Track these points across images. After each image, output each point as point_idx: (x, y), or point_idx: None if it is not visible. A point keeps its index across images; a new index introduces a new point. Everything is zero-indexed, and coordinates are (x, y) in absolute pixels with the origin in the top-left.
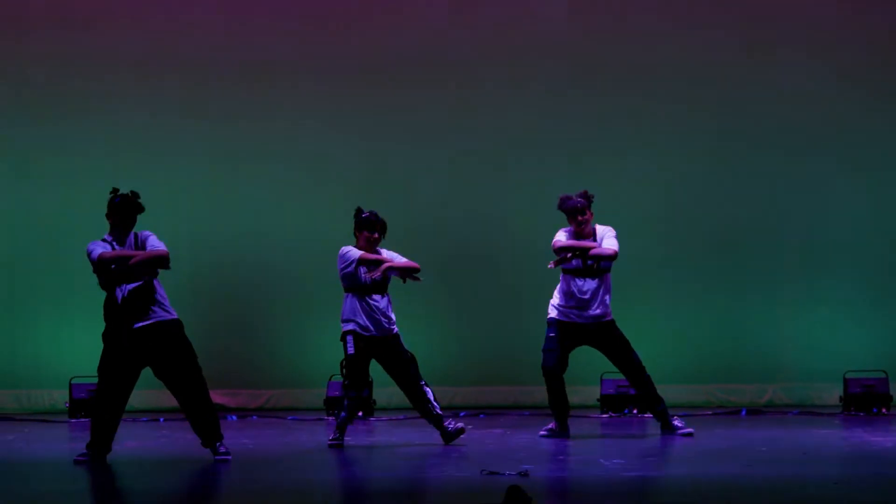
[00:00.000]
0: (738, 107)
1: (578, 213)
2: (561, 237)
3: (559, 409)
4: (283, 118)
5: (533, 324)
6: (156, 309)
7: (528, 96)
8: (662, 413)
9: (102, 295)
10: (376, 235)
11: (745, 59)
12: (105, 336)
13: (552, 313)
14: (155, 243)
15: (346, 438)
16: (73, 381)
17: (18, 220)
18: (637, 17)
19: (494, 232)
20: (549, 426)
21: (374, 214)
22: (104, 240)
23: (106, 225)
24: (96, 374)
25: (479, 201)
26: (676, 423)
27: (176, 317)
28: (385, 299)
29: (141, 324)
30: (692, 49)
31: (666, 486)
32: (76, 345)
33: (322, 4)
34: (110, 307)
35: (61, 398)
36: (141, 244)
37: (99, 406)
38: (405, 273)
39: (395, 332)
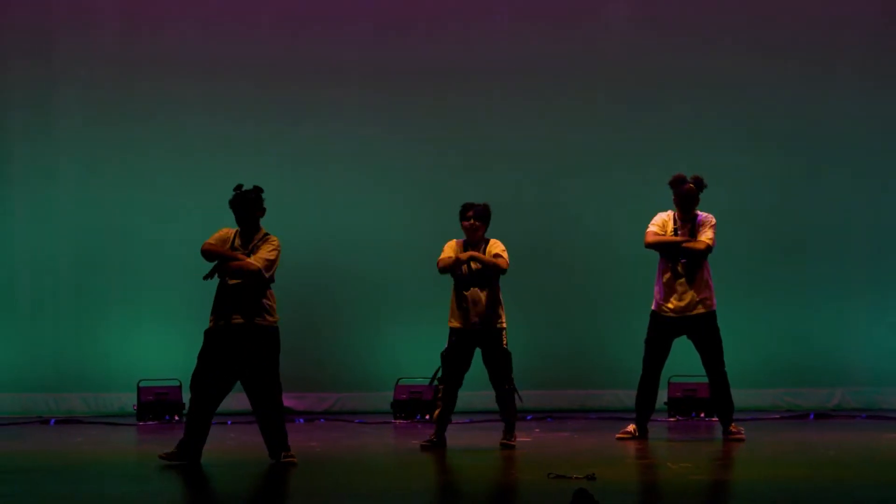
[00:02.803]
0: (806, 114)
1: (688, 201)
2: (656, 224)
3: (638, 406)
4: (349, 121)
5: (603, 326)
6: (253, 312)
7: (594, 102)
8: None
9: (170, 298)
10: (471, 221)
11: (811, 68)
12: (206, 332)
13: (653, 304)
14: (261, 254)
15: (411, 441)
16: (140, 384)
17: (87, 220)
18: (702, 26)
19: (565, 233)
20: (627, 428)
21: (467, 204)
22: (229, 229)
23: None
24: (169, 377)
25: (550, 203)
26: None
27: (272, 324)
28: (485, 293)
29: (235, 322)
30: (761, 58)
31: (734, 489)
32: (144, 347)
33: (387, 10)
34: (216, 298)
35: (129, 401)
36: (252, 250)
37: (192, 404)
38: (487, 267)
39: (496, 327)
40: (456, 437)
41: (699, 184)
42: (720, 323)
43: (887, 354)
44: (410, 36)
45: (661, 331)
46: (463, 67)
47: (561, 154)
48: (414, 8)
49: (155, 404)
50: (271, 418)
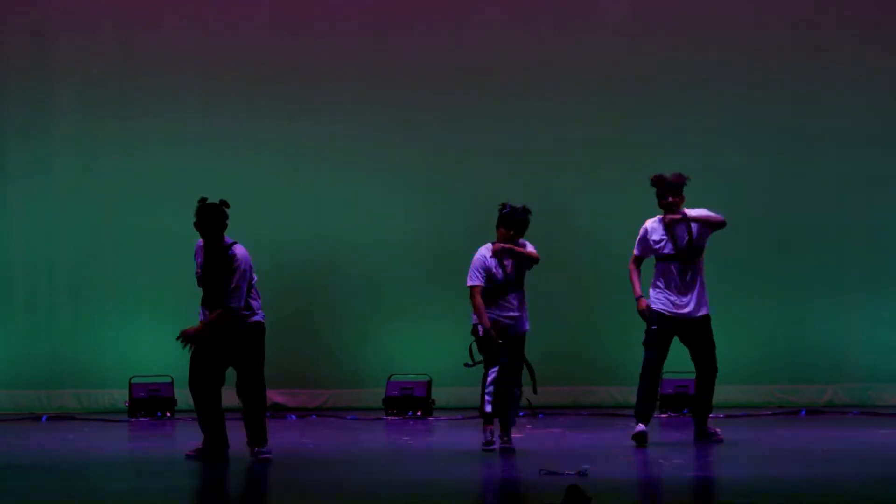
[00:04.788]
0: (801, 111)
1: (665, 189)
2: (639, 245)
3: (644, 405)
4: (346, 118)
5: (596, 322)
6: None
7: (590, 99)
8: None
9: (164, 295)
10: (511, 232)
11: (806, 64)
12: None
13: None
14: (230, 294)
15: (404, 438)
16: (132, 381)
17: (82, 218)
18: (697, 22)
19: (561, 229)
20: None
21: (513, 210)
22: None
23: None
24: (161, 373)
25: (545, 199)
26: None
27: (259, 319)
28: (515, 296)
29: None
30: (753, 55)
31: (726, 486)
32: (137, 344)
33: (384, 7)
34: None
35: (121, 397)
36: (219, 267)
37: (196, 404)
38: (524, 260)
39: (523, 329)
40: (448, 433)
41: (679, 178)
42: (715, 319)
43: (880, 351)
44: (407, 33)
45: (663, 331)
46: (460, 64)
47: (557, 151)
48: (410, 5)
49: (147, 401)
50: (251, 413)
